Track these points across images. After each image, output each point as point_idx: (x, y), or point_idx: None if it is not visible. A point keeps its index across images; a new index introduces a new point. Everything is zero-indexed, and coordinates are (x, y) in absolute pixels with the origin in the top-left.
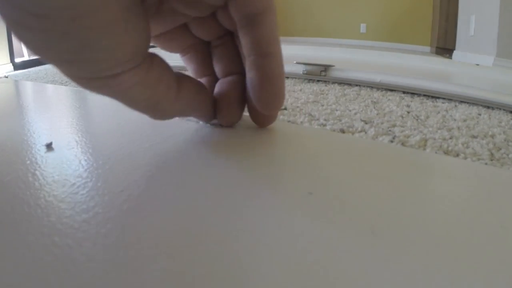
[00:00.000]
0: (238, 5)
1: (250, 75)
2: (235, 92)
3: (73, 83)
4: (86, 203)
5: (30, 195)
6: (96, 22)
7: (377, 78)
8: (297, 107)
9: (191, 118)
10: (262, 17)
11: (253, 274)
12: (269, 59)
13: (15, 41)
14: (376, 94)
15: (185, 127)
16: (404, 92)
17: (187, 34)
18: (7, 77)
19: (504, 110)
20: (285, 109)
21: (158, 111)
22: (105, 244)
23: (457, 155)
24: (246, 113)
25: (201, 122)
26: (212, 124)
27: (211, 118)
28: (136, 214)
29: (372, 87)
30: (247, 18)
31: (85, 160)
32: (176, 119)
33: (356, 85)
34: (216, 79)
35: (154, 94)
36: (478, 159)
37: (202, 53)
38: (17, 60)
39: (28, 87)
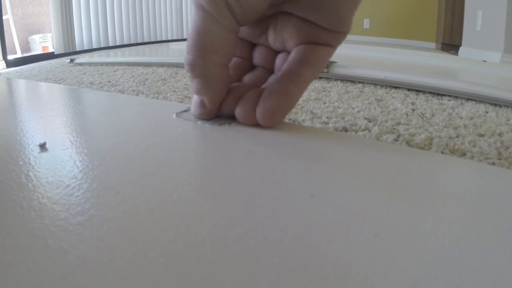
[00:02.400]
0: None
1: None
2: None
3: (68, 81)
4: (81, 205)
5: (23, 196)
6: None
7: (381, 75)
8: (299, 104)
9: (191, 117)
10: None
11: (253, 278)
12: (294, 84)
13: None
14: (380, 92)
15: (183, 128)
16: (409, 90)
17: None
18: None
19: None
20: None
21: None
22: (101, 247)
23: (464, 154)
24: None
25: (199, 122)
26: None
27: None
28: (133, 217)
29: (376, 84)
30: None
31: (80, 161)
32: (174, 119)
33: (360, 82)
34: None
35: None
36: (485, 158)
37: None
38: (10, 57)
39: (21, 85)
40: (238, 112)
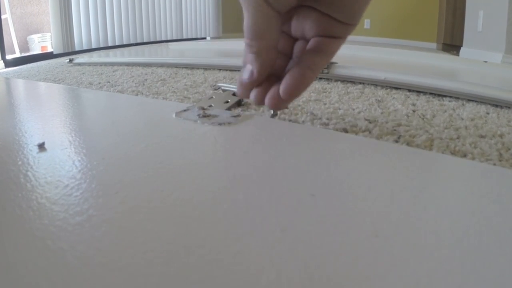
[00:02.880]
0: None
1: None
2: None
3: (66, 81)
4: (80, 205)
5: (22, 197)
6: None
7: (382, 75)
8: (299, 105)
9: (190, 116)
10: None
11: (253, 278)
12: (311, 70)
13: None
14: (381, 92)
15: (182, 127)
16: (409, 90)
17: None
18: None
19: None
20: (286, 107)
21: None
22: (100, 247)
23: (465, 155)
24: (246, 113)
25: (199, 121)
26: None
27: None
28: (132, 217)
29: (376, 85)
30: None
31: (79, 161)
32: (173, 117)
33: (360, 83)
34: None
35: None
36: (486, 160)
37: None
38: (8, 57)
39: (20, 85)
40: (253, 95)
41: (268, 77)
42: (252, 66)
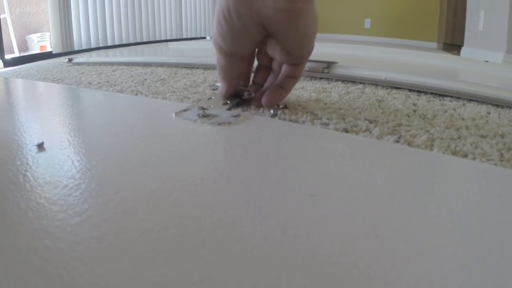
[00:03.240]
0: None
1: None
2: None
3: (66, 81)
4: (79, 205)
5: (20, 197)
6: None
7: (382, 75)
8: (299, 105)
9: (190, 116)
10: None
11: (254, 278)
12: (284, 90)
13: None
14: (381, 92)
15: (181, 127)
16: (410, 90)
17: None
18: None
19: None
20: (286, 107)
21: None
22: (99, 248)
23: (466, 155)
24: (246, 112)
25: (198, 121)
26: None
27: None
28: (131, 217)
29: (377, 85)
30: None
31: (78, 161)
32: (173, 117)
33: (360, 83)
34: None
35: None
36: (488, 160)
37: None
38: (7, 56)
39: (19, 85)
40: (255, 99)
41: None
42: (222, 87)
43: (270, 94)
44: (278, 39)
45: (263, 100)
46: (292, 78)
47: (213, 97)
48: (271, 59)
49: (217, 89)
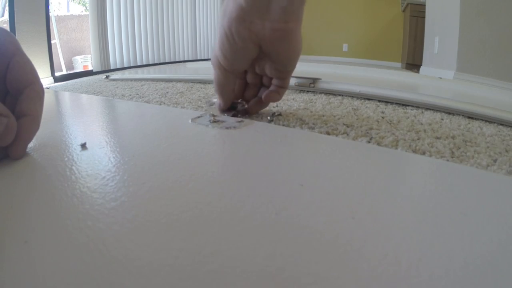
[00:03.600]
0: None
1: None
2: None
3: (103, 93)
4: (114, 193)
5: (68, 186)
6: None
7: (357, 89)
8: (290, 113)
9: (203, 122)
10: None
11: (255, 251)
12: (278, 94)
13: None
14: (356, 103)
15: (196, 130)
16: (379, 101)
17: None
18: (48, 88)
19: (462, 115)
20: (280, 115)
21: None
22: (130, 227)
23: (424, 153)
24: (247, 119)
25: (210, 126)
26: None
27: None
28: (156, 202)
29: (352, 97)
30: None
31: (114, 157)
32: (189, 122)
33: (340, 95)
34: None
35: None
36: (441, 157)
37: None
38: (57, 74)
39: (66, 97)
40: (250, 107)
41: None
42: (219, 100)
43: (269, 92)
44: (272, 56)
45: (264, 96)
46: (282, 87)
47: (212, 112)
48: (259, 77)
49: (213, 104)
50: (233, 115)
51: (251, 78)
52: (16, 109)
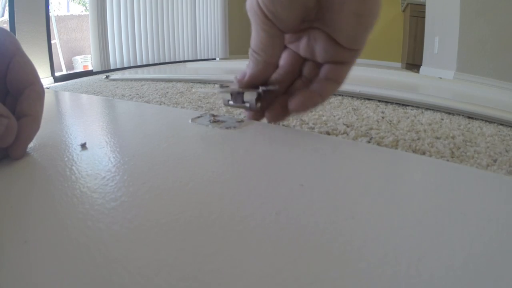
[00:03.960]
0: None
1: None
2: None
3: (103, 93)
4: (114, 193)
5: (67, 186)
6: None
7: (357, 89)
8: None
9: (203, 122)
10: None
11: (254, 251)
12: (321, 97)
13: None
14: (356, 103)
15: (196, 130)
16: (379, 101)
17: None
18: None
19: (462, 115)
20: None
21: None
22: (130, 227)
23: (424, 153)
24: (248, 119)
25: (210, 126)
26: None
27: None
28: (156, 202)
29: (352, 97)
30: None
31: (114, 158)
32: (189, 122)
33: (339, 95)
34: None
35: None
36: (441, 157)
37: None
38: (57, 74)
39: (66, 97)
40: (268, 116)
41: (270, 94)
42: (248, 70)
43: (301, 97)
44: (333, 14)
45: (291, 104)
46: (334, 82)
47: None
48: (301, 61)
49: (227, 86)
50: (256, 99)
51: (288, 58)
52: (16, 109)
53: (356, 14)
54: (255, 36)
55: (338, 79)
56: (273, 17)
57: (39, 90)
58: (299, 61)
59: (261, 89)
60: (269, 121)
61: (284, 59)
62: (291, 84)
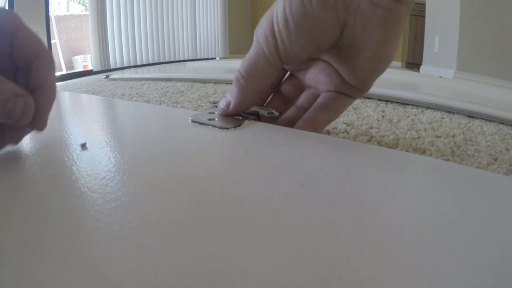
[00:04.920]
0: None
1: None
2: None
3: (103, 93)
4: (114, 193)
5: (67, 187)
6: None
7: None
8: None
9: (205, 121)
10: None
11: (255, 250)
12: (313, 127)
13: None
14: (356, 101)
15: (196, 131)
16: (379, 100)
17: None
18: None
19: (463, 114)
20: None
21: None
22: (130, 227)
23: (424, 152)
24: (247, 120)
25: (210, 126)
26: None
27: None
28: (156, 202)
29: None
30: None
31: (114, 158)
32: (190, 123)
33: None
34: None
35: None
36: (442, 156)
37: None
38: (57, 73)
39: (66, 96)
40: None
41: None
42: (231, 99)
43: (300, 124)
44: (351, 52)
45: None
46: (332, 111)
47: (215, 113)
48: (300, 90)
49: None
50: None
51: (289, 86)
52: (29, 82)
53: (372, 60)
54: (252, 59)
55: (335, 108)
56: (283, 49)
57: (48, 58)
58: (300, 91)
59: (261, 113)
60: None
61: (287, 87)
62: (282, 110)
